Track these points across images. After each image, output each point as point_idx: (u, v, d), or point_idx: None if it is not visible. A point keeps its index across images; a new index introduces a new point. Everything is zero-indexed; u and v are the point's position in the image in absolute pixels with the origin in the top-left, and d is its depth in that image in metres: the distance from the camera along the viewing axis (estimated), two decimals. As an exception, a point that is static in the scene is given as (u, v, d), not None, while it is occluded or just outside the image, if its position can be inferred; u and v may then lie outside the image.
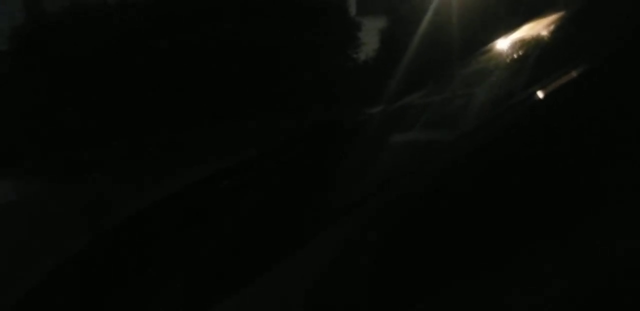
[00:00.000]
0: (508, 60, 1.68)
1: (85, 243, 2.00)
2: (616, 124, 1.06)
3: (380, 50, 6.77)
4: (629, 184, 0.98)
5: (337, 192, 1.54)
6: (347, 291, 1.01)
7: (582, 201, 0.99)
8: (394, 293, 0.97)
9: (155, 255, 1.69)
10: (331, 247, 1.10)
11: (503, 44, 1.87)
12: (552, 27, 1.59)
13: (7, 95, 5.61)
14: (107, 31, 5.52)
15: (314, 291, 1.04)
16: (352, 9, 8.67)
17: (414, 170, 1.22)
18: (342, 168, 1.79)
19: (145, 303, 1.43)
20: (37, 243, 3.06)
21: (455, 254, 0.99)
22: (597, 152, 1.04)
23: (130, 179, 4.38)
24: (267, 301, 1.08)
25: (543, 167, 1.06)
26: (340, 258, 1.07)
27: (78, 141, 5.33)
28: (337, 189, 1.58)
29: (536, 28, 1.67)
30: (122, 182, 4.31)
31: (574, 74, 1.13)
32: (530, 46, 1.59)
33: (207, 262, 1.48)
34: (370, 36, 6.71)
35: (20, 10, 7.55)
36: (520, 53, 1.61)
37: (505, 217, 1.01)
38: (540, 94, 1.15)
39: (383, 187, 1.23)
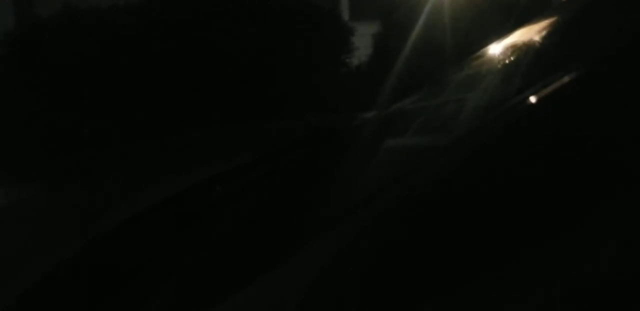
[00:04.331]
0: (501, 65, 1.69)
1: (80, 246, 2.00)
2: (610, 129, 1.07)
3: (374, 55, 6.79)
4: (624, 189, 0.99)
5: (331, 197, 1.54)
6: (340, 298, 1.01)
7: (577, 205, 0.99)
8: (391, 299, 0.97)
9: (149, 258, 1.68)
10: (326, 253, 1.09)
11: (496, 48, 1.87)
12: (545, 32, 1.59)
13: (2, 99, 5.59)
14: (98, 35, 5.52)
15: (308, 298, 1.03)
16: (345, 14, 8.70)
17: (407, 174, 1.22)
18: (336, 174, 1.79)
19: (139, 307, 1.42)
20: (33, 246, 3.05)
21: (450, 259, 0.99)
22: (591, 157, 1.05)
23: (125, 182, 4.37)
24: (261, 307, 1.08)
25: (537, 172, 1.06)
26: (335, 265, 1.06)
27: (74, 144, 5.32)
28: (331, 194, 1.58)
29: (529, 33, 1.68)
30: (118, 185, 4.30)
31: (567, 79, 1.14)
32: (524, 51, 1.60)
33: (201, 267, 1.48)
34: (363, 41, 6.72)
35: (11, 14, 7.53)
36: (514, 58, 1.62)
37: (501, 221, 1.02)
38: (533, 99, 1.15)
39: (377, 191, 1.23)
